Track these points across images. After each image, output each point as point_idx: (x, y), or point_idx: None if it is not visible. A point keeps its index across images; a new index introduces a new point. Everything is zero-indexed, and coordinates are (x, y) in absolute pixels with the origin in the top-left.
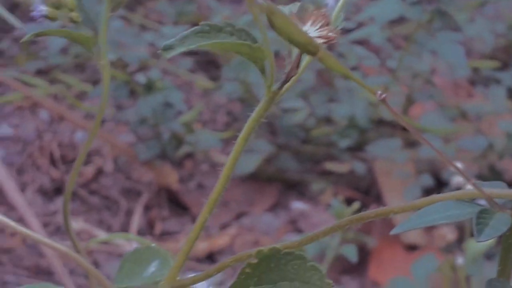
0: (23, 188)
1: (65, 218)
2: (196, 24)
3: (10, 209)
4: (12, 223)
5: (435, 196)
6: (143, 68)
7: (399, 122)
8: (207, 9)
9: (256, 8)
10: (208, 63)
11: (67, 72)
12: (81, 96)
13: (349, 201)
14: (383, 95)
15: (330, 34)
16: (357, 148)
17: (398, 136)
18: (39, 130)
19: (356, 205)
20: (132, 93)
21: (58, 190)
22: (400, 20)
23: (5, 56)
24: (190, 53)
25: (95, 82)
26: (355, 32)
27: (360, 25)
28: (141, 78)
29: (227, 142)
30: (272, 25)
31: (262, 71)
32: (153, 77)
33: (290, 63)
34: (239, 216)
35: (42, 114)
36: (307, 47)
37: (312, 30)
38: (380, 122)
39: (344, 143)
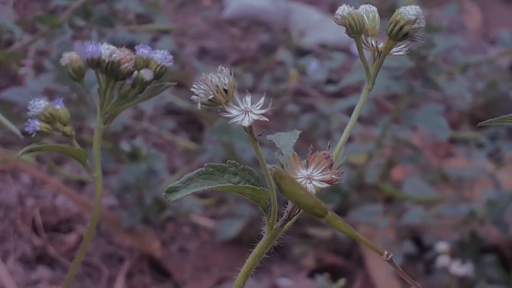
0: (4, 256)
1: None
2: (180, 84)
3: None
4: None
5: None
6: (125, 129)
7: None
8: (190, 68)
9: (267, 171)
10: (189, 123)
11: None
12: (61, 159)
13: (331, 267)
14: (390, 256)
15: (333, 177)
16: (339, 213)
17: (380, 200)
18: (20, 194)
19: (342, 282)
20: (115, 158)
21: (39, 258)
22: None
23: None
24: (172, 113)
25: None
26: (342, 101)
27: (342, 90)
28: (126, 146)
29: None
30: (280, 189)
31: (265, 210)
32: (137, 145)
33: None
34: (221, 281)
35: (23, 178)
36: (314, 210)
37: (315, 173)
38: (361, 186)
39: None
